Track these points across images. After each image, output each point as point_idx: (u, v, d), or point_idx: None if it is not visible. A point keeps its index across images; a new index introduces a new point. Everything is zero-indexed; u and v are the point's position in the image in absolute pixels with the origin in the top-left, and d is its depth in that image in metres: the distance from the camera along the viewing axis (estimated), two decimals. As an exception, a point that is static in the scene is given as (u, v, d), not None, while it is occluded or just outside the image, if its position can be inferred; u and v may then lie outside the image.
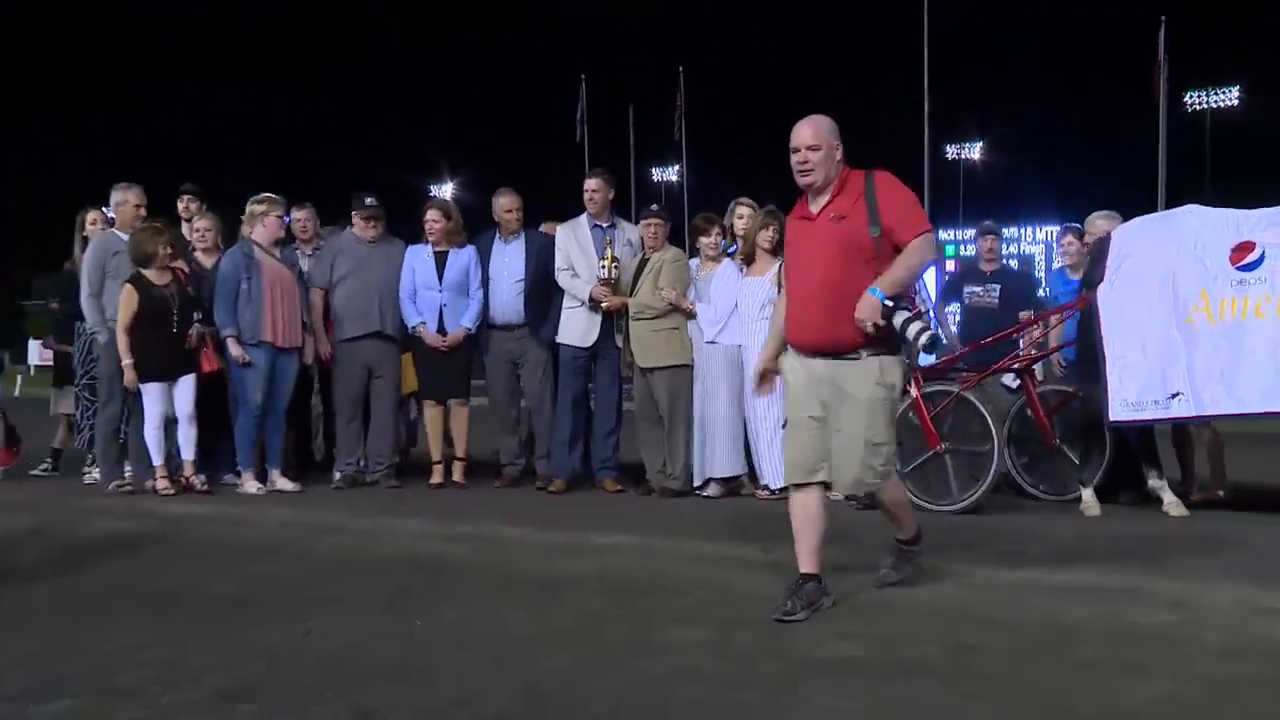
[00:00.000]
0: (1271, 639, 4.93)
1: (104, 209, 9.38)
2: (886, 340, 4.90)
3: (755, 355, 8.16)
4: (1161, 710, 4.16)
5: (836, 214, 4.95)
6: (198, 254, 8.95)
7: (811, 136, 4.95)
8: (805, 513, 5.11)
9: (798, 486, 5.12)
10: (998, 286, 9.00)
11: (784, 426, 5.22)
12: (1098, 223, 8.39)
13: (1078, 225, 9.15)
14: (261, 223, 8.58)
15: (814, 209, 5.06)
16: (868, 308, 4.77)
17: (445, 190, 43.19)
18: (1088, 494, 7.55)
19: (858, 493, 5.16)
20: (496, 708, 4.20)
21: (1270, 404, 6.98)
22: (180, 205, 9.43)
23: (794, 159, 4.98)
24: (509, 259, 8.84)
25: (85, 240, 9.32)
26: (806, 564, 5.07)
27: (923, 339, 4.85)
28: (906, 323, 4.81)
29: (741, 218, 8.56)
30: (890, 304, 4.83)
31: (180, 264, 8.58)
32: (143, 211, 9.06)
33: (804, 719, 4.08)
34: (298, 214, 9.46)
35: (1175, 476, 8.01)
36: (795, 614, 4.89)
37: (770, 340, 5.43)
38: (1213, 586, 5.48)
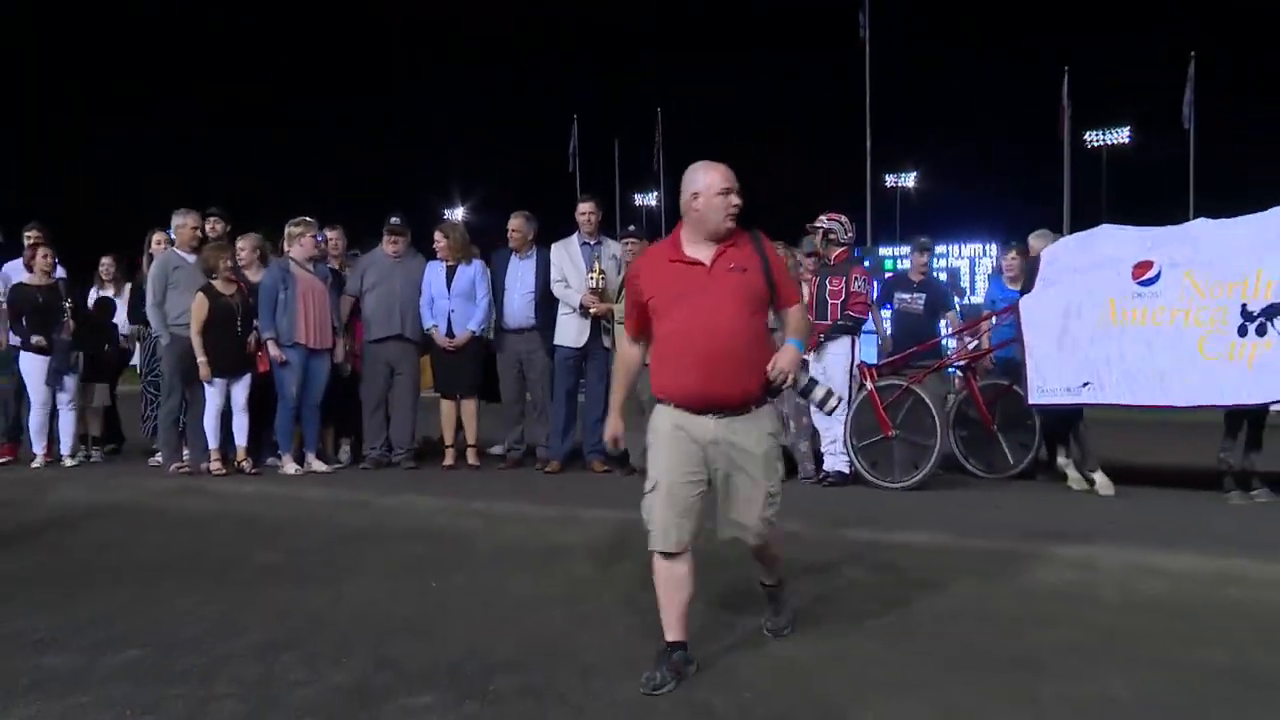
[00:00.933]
0: (1157, 594, 4.99)
1: (167, 231, 9.30)
2: (767, 393, 4.03)
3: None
4: (1065, 655, 4.22)
5: (737, 265, 3.97)
6: (243, 270, 8.90)
7: (735, 179, 4.02)
8: (674, 580, 4.00)
9: (667, 554, 3.98)
10: (923, 295, 8.99)
11: (651, 490, 4.02)
12: (1031, 241, 8.44)
13: (1020, 244, 9.12)
14: (299, 242, 8.55)
15: (701, 255, 3.98)
16: (791, 361, 3.93)
17: (458, 212, 42.90)
18: (1099, 476, 7.50)
19: (750, 540, 4.12)
20: (500, 658, 4.22)
21: (1164, 398, 7.03)
22: (208, 225, 9.34)
23: (722, 201, 3.96)
24: (522, 273, 8.82)
25: (151, 257, 9.28)
26: (674, 632, 4.00)
27: (831, 403, 4.16)
28: (812, 383, 4.15)
29: None
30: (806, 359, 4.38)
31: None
32: (199, 233, 9.02)
33: (761, 667, 4.12)
34: (329, 234, 9.41)
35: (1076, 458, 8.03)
36: (663, 686, 3.86)
37: (619, 393, 4.38)
38: (1109, 550, 5.52)
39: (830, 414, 4.16)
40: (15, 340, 9.14)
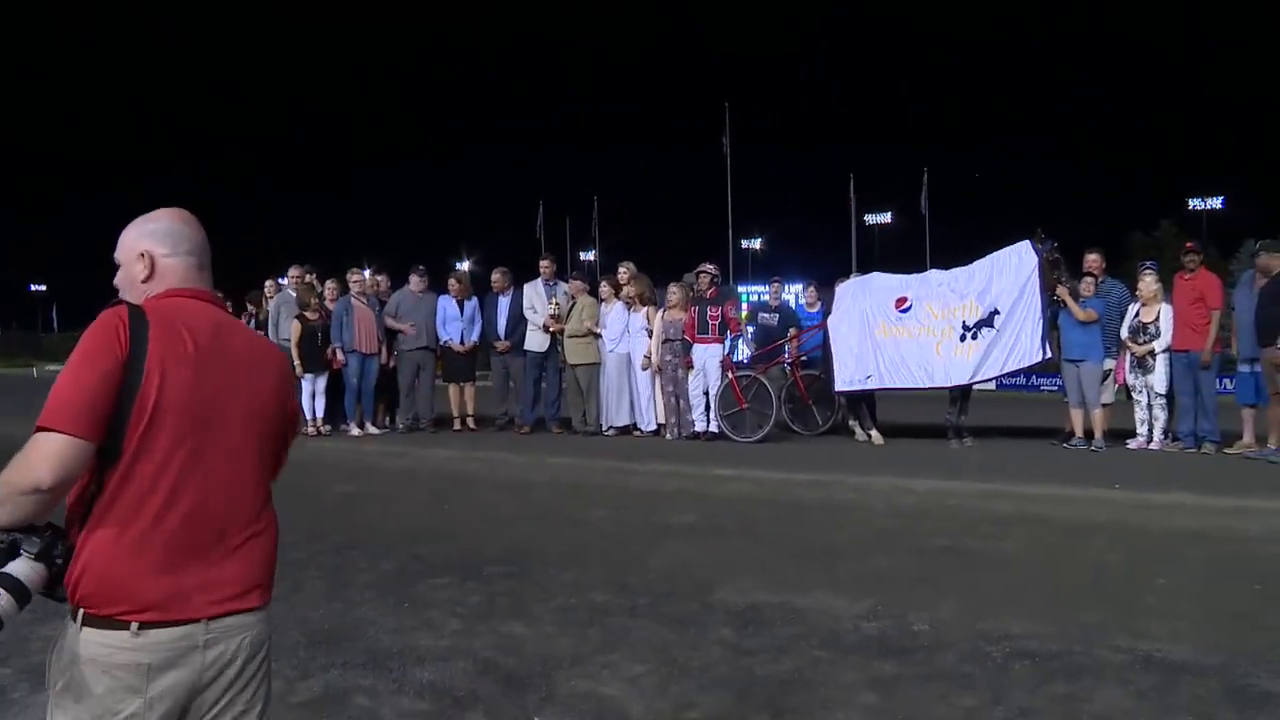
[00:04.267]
0: (908, 505, 5.13)
1: (276, 279, 9.23)
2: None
3: (638, 357, 8.25)
4: (851, 544, 4.34)
5: None
6: (327, 302, 8.69)
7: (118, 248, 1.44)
8: None
9: None
10: (777, 315, 8.87)
11: None
12: (852, 277, 8.44)
13: (814, 283, 9.33)
14: (355, 284, 8.48)
15: None
16: None
17: (464, 265, 42.13)
18: (875, 433, 7.56)
19: None
20: (492, 555, 4.20)
21: (916, 383, 7.32)
22: (297, 273, 9.21)
23: None
24: (503, 305, 8.75)
25: (268, 297, 9.21)
26: None
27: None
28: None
29: (624, 271, 8.57)
30: None
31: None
32: (298, 280, 8.87)
33: (664, 560, 4.14)
34: (378, 277, 9.25)
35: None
36: None
37: None
38: (879, 478, 5.67)
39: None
40: None
